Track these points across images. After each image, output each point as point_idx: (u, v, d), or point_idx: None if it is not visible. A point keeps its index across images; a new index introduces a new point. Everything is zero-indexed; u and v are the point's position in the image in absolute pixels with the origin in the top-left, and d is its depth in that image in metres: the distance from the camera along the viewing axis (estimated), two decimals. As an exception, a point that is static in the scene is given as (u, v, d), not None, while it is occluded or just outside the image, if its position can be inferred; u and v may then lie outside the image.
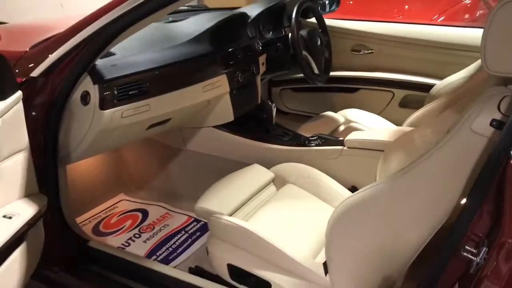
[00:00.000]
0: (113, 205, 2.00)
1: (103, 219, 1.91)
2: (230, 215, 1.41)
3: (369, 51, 2.35)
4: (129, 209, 1.97)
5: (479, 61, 1.80)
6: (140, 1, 1.17)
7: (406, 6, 4.74)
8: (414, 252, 1.07)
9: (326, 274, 1.21)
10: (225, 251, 1.35)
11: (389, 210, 1.06)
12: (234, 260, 1.33)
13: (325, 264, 1.22)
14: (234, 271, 1.35)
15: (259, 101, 1.97)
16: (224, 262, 1.35)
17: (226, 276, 1.37)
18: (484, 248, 0.84)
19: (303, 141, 1.78)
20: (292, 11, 1.99)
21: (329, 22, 2.26)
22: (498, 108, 0.92)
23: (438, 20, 3.76)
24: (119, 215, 1.93)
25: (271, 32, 2.16)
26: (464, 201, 0.96)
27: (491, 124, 0.91)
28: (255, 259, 1.30)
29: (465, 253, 0.89)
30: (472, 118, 0.93)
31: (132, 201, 2.02)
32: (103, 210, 1.96)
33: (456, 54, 2.13)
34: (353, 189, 1.62)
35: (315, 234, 1.38)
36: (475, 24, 3.55)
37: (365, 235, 1.11)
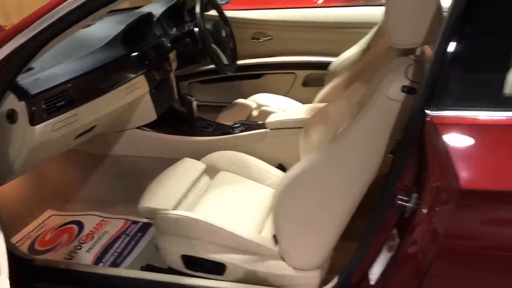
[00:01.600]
0: (42, 222, 1.93)
1: (36, 237, 1.84)
2: (174, 209, 1.47)
3: (268, 37, 2.50)
4: (62, 223, 1.92)
5: (368, 36, 2.03)
6: (61, 15, 1.16)
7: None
8: (351, 210, 1.23)
9: (276, 245, 1.34)
10: (177, 244, 1.41)
11: (326, 177, 1.21)
12: (187, 250, 1.40)
13: (274, 237, 1.35)
14: (189, 261, 1.42)
15: (176, 97, 2.02)
16: (177, 255, 1.41)
17: (181, 267, 1.43)
18: (415, 195, 1.02)
19: (227, 130, 1.88)
20: (193, 7, 2.05)
21: (227, 13, 2.36)
22: (406, 76, 1.09)
23: (319, 2, 4.04)
24: (53, 231, 1.88)
25: (174, 29, 2.21)
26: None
27: (402, 90, 1.08)
28: (207, 245, 1.38)
29: (399, 202, 1.06)
30: (386, 87, 1.10)
31: (63, 215, 1.96)
32: (33, 230, 1.88)
33: (346, 32, 2.35)
34: (280, 166, 1.77)
35: (255, 212, 1.50)
36: (359, 3, 3.89)
37: (308, 203, 1.25)
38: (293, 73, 2.47)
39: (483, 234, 0.96)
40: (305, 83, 2.48)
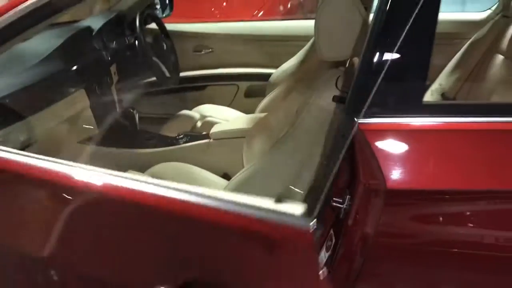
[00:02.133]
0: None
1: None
2: None
3: (209, 50, 2.55)
4: None
5: (305, 48, 2.13)
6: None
7: (224, 4, 5.08)
8: None
9: None
10: None
11: (264, 184, 1.26)
12: None
13: None
14: None
15: (118, 109, 2.02)
16: None
17: None
18: (348, 196, 1.09)
19: (171, 141, 1.90)
20: (133, 20, 2.07)
21: (168, 26, 2.39)
22: (336, 86, 1.17)
23: (259, 15, 4.15)
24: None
25: (114, 42, 2.20)
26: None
27: (333, 100, 1.15)
28: None
29: (334, 204, 1.13)
30: (319, 97, 1.17)
31: None
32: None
33: (285, 44, 2.45)
34: (225, 176, 1.81)
35: None
36: (294, 17, 4.02)
37: None
38: (236, 84, 2.52)
39: (412, 231, 1.04)
40: (248, 94, 2.55)
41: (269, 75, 2.29)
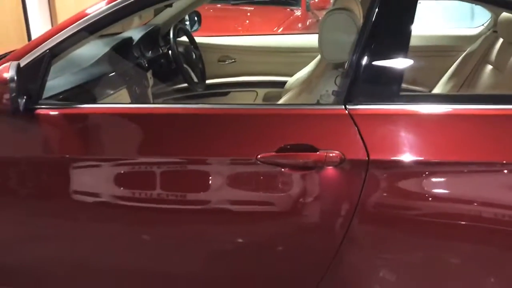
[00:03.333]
0: None
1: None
2: None
3: (232, 60, 2.87)
4: None
5: (316, 59, 2.42)
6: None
7: (247, 21, 5.44)
8: None
9: None
10: None
11: None
12: None
13: None
14: None
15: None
16: None
17: None
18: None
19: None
20: (167, 33, 2.41)
21: (197, 39, 2.72)
22: (335, 83, 1.46)
23: (279, 31, 4.48)
24: None
25: (150, 52, 2.54)
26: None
27: (332, 94, 1.44)
28: None
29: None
30: (321, 92, 1.46)
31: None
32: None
33: (299, 55, 2.75)
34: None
35: None
36: (309, 31, 4.33)
37: None
38: (255, 91, 2.83)
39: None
40: (265, 99, 2.85)
41: (284, 82, 2.58)
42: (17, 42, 5.24)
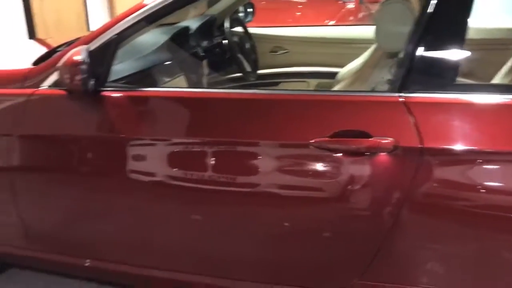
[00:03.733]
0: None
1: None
2: None
3: (285, 51, 2.91)
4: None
5: (369, 50, 2.42)
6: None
7: (298, 13, 5.46)
8: None
9: None
10: None
11: None
12: None
13: None
14: None
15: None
16: None
17: None
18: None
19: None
20: (222, 23, 2.48)
21: (251, 30, 2.78)
22: (389, 72, 1.48)
23: (330, 23, 4.47)
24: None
25: (205, 41, 2.62)
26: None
27: (386, 82, 1.46)
28: None
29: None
30: (376, 80, 1.48)
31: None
32: None
33: (350, 47, 2.75)
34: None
35: None
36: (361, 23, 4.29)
37: None
38: (305, 81, 2.86)
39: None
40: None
41: (335, 73, 2.59)
42: (78, 31, 5.48)
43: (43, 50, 2.39)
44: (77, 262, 1.80)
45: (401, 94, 1.33)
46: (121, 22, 1.59)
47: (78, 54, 1.48)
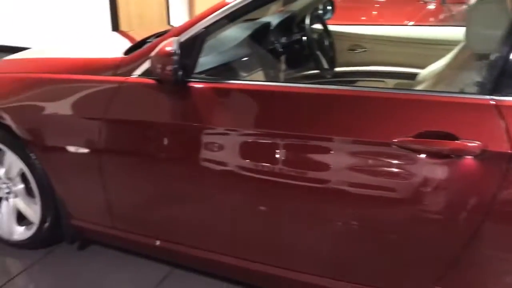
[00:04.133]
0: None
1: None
2: None
3: (363, 49, 2.87)
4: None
5: (453, 52, 2.34)
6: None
7: (375, 12, 5.35)
8: None
9: None
10: None
11: None
12: None
13: None
14: None
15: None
16: None
17: None
18: None
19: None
20: (301, 20, 2.49)
21: (330, 27, 2.77)
22: (479, 73, 1.43)
23: (409, 24, 4.35)
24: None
25: (284, 38, 2.65)
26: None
27: (475, 85, 1.41)
28: None
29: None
30: (464, 82, 1.44)
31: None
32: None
33: (432, 48, 2.66)
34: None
35: None
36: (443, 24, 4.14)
37: None
38: (383, 81, 2.80)
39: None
40: (394, 90, 2.81)
41: (414, 74, 2.52)
42: (159, 25, 5.72)
43: (126, 41, 2.54)
44: (150, 242, 1.91)
45: (492, 97, 1.28)
46: (209, 17, 1.65)
47: (170, 45, 1.56)
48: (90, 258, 2.20)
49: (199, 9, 5.75)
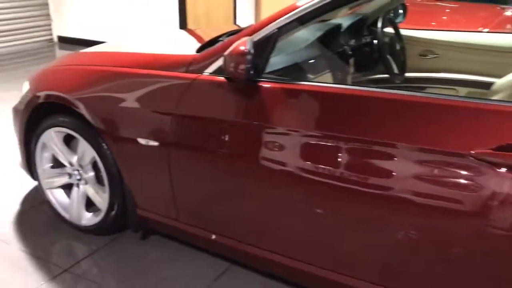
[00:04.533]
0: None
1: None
2: None
3: (435, 55, 2.77)
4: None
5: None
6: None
7: (444, 17, 5.14)
8: None
9: None
10: None
11: None
12: None
13: None
14: None
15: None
16: None
17: None
18: None
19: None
20: (372, 23, 2.44)
21: (401, 31, 2.69)
22: None
23: (484, 31, 4.14)
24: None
25: (354, 39, 2.61)
26: None
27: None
28: None
29: None
30: None
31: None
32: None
33: (507, 56, 2.53)
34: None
35: None
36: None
37: None
38: (454, 89, 2.70)
39: None
40: (466, 100, 2.69)
41: (488, 83, 2.41)
42: (225, 24, 5.81)
43: (193, 39, 2.59)
44: (207, 236, 1.96)
45: None
46: (283, 17, 1.66)
47: (244, 45, 1.57)
48: (152, 247, 2.27)
49: (265, 9, 5.78)
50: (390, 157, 1.44)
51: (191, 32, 2.84)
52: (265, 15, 5.68)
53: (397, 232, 1.48)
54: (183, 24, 6.17)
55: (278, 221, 1.74)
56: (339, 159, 1.51)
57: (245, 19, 5.78)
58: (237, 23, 5.96)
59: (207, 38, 2.25)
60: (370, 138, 1.46)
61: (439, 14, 5.08)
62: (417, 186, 1.39)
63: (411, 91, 1.49)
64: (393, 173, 1.43)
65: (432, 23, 4.74)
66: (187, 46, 2.45)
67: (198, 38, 2.61)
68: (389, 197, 1.44)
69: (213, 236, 1.93)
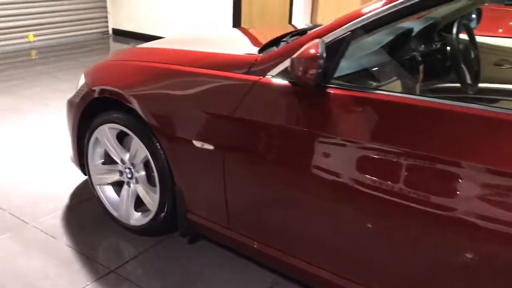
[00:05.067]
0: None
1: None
2: None
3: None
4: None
5: None
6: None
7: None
8: None
9: None
10: None
11: None
12: None
13: None
14: None
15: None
16: None
17: None
18: None
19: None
20: (444, 27, 2.25)
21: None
22: None
23: None
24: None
25: (424, 45, 2.43)
26: None
27: None
28: None
29: None
30: None
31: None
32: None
33: None
34: None
35: None
36: None
37: None
38: (534, 104, 2.47)
39: None
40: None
41: None
42: (280, 22, 5.70)
43: (245, 38, 2.49)
44: (259, 247, 1.87)
45: None
46: (357, 20, 1.52)
47: (315, 48, 1.45)
48: (199, 253, 2.19)
49: (322, 9, 5.62)
50: (459, 178, 1.31)
51: (244, 31, 2.75)
52: (321, 15, 5.53)
53: (455, 255, 1.36)
54: (236, 22, 6.10)
55: (327, 233, 1.64)
56: (411, 177, 1.38)
57: (301, 17, 5.64)
58: (293, 22, 5.82)
59: (262, 37, 2.14)
60: (440, 156, 1.32)
61: (506, 19, 4.78)
62: (482, 208, 1.28)
63: (485, 104, 1.35)
64: (460, 194, 1.31)
65: (499, 30, 4.45)
66: (244, 46, 2.35)
67: (253, 37, 2.51)
68: (452, 219, 1.33)
69: (262, 248, 1.83)
